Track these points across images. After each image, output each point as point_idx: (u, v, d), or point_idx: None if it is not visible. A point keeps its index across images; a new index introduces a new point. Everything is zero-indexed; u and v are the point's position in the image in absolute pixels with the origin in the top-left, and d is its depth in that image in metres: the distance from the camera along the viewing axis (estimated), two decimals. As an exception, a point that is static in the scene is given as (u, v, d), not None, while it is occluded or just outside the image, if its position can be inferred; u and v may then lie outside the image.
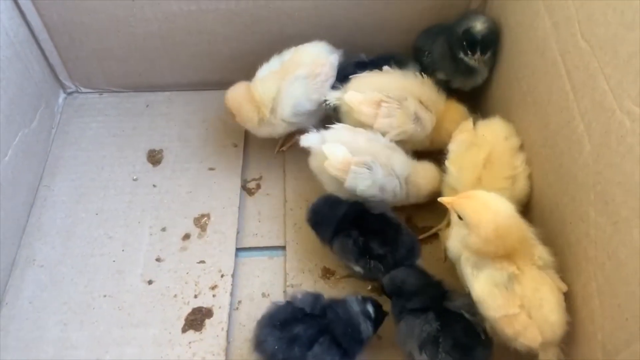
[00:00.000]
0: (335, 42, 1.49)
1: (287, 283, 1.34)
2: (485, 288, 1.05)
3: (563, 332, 1.03)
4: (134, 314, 1.30)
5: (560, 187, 1.09)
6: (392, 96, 1.34)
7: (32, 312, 1.31)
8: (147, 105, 1.68)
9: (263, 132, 1.46)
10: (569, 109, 1.04)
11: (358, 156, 1.27)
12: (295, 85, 1.39)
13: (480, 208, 1.05)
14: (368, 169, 1.26)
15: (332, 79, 1.42)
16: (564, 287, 1.05)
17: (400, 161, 1.31)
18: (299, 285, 1.33)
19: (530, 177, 1.23)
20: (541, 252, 1.07)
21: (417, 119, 1.35)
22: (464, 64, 1.40)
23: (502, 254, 1.04)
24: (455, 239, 1.12)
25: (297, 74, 1.39)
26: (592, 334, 0.97)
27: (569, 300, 1.05)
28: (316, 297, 1.17)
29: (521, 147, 1.26)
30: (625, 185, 0.88)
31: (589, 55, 0.97)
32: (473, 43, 1.36)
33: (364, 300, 1.15)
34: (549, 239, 1.14)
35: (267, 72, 1.43)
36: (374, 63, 1.46)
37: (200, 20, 1.52)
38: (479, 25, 1.35)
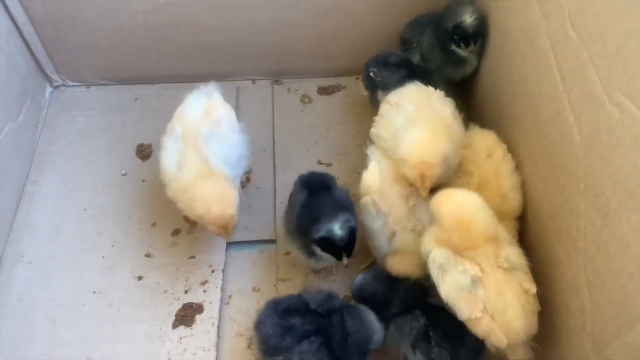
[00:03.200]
0: (324, 31, 1.47)
1: (278, 277, 1.33)
2: (450, 291, 1.05)
3: (529, 335, 1.04)
4: (124, 310, 1.29)
5: (551, 178, 1.08)
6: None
7: (21, 310, 1.30)
8: (136, 99, 1.66)
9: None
10: (559, 100, 1.03)
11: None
12: (212, 143, 1.24)
13: (445, 200, 1.08)
14: (377, 213, 1.21)
15: (231, 111, 1.33)
16: (533, 289, 1.05)
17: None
18: (289, 279, 1.32)
19: (520, 186, 1.22)
20: (508, 253, 1.07)
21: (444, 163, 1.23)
22: (454, 54, 1.39)
23: (465, 246, 1.06)
24: (428, 236, 1.11)
25: (203, 134, 1.24)
26: (582, 325, 0.97)
27: (559, 292, 1.05)
28: (328, 297, 1.14)
29: (505, 158, 1.24)
30: (615, 178, 0.87)
31: (579, 46, 0.96)
32: (466, 37, 1.36)
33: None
34: (539, 231, 1.14)
35: (174, 153, 1.25)
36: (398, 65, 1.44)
37: (188, 11, 1.50)
38: (468, 19, 1.34)
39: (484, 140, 1.27)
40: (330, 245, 1.12)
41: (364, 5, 1.52)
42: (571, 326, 1.02)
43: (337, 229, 1.11)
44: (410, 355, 1.09)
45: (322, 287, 1.18)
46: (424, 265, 1.10)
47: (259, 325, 1.12)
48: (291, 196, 1.25)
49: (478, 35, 1.36)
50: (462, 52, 1.39)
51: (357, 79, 1.67)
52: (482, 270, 1.04)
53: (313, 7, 1.52)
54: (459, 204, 1.07)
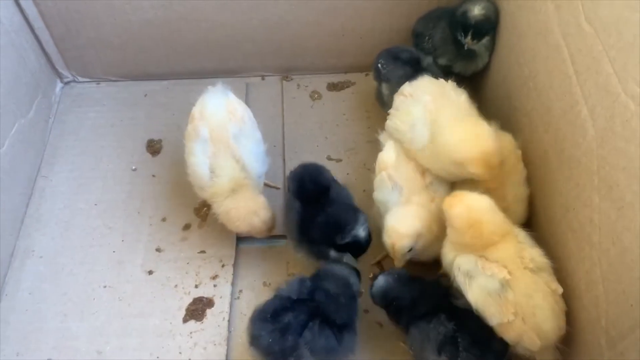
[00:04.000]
0: (334, 27, 1.47)
1: (288, 272, 1.33)
2: (479, 297, 1.05)
3: (558, 336, 1.04)
4: (135, 304, 1.30)
5: (563, 173, 1.08)
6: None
7: (32, 303, 1.30)
8: (145, 95, 1.66)
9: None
10: (572, 93, 1.02)
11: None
12: (243, 142, 1.27)
13: (455, 202, 1.09)
14: (393, 186, 1.22)
15: (248, 110, 1.34)
16: (560, 290, 1.05)
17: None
18: (299, 273, 1.32)
19: (526, 199, 1.23)
20: (533, 254, 1.06)
21: None
22: (465, 49, 1.39)
23: (480, 245, 1.06)
24: (446, 245, 1.13)
25: (234, 134, 1.26)
26: (596, 320, 0.97)
27: (572, 287, 1.05)
28: (300, 281, 1.15)
29: (515, 167, 1.23)
30: (630, 170, 0.86)
31: (593, 38, 0.96)
32: (466, 27, 1.36)
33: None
34: (551, 226, 1.13)
35: (205, 157, 1.26)
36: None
37: (197, 7, 1.50)
38: (476, 10, 1.35)
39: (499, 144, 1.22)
40: (356, 248, 1.19)
41: (373, 2, 1.52)
42: (585, 321, 1.01)
43: (361, 231, 1.18)
44: (434, 356, 1.08)
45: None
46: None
47: (255, 340, 1.10)
48: (289, 202, 1.26)
49: (481, 30, 1.36)
50: (469, 44, 1.38)
51: (366, 75, 1.67)
52: (509, 272, 1.03)
53: (322, 3, 1.52)
54: (468, 206, 1.08)
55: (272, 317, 1.09)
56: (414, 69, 1.41)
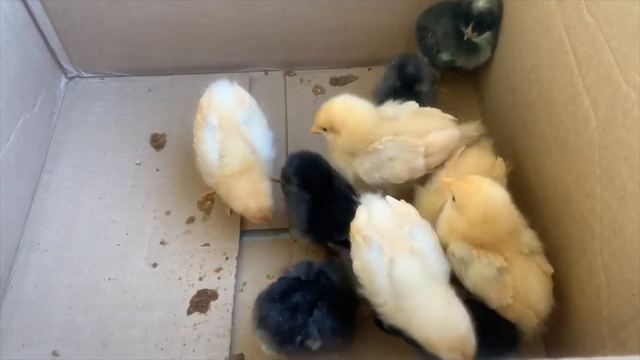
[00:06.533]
0: (336, 22, 1.48)
1: (292, 264, 1.33)
2: (477, 283, 1.06)
3: (548, 313, 1.07)
4: (139, 297, 1.30)
5: (565, 164, 1.08)
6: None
7: (37, 296, 1.31)
8: (149, 90, 1.67)
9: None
10: (574, 85, 1.03)
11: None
12: (253, 127, 1.30)
13: (473, 191, 1.04)
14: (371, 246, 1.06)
15: (253, 100, 1.37)
16: (550, 270, 1.07)
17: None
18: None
19: None
20: (527, 238, 1.07)
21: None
22: (468, 42, 1.39)
23: (487, 241, 1.04)
24: (444, 223, 1.10)
25: (243, 120, 1.29)
26: (598, 310, 0.97)
27: (574, 277, 1.05)
28: (308, 264, 1.17)
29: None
30: (632, 160, 0.87)
31: (595, 30, 0.96)
32: (468, 18, 1.37)
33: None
34: (553, 216, 1.14)
35: (215, 142, 1.27)
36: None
37: (201, 3, 1.51)
38: (480, 2, 1.36)
39: (477, 165, 1.20)
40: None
41: (376, -1, 1.53)
42: (587, 311, 1.02)
43: None
44: None
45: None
46: None
47: (264, 321, 1.11)
48: (289, 193, 1.26)
49: (482, 23, 1.37)
50: (469, 35, 1.39)
51: (369, 69, 1.68)
52: (506, 259, 1.04)
53: (325, -2, 1.52)
54: (489, 197, 1.03)
55: (281, 297, 1.11)
56: (400, 88, 1.41)
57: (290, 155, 1.31)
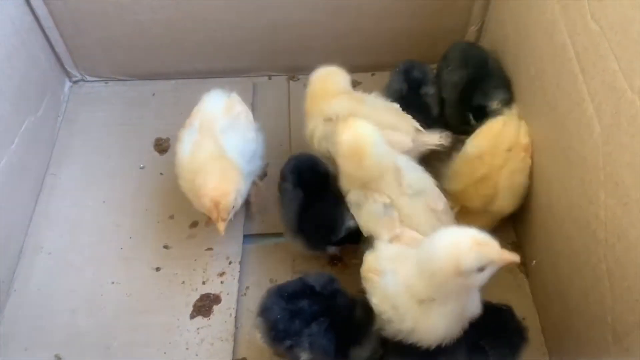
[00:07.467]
0: (340, 27, 1.48)
1: (294, 269, 1.34)
2: (368, 221, 1.15)
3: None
4: (142, 300, 1.31)
5: (569, 170, 1.08)
6: None
7: (41, 299, 1.31)
8: (154, 94, 1.67)
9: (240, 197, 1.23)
10: (578, 91, 1.03)
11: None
12: (230, 135, 1.27)
13: (344, 128, 1.13)
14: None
15: (249, 111, 1.36)
16: (440, 207, 1.17)
17: None
18: (305, 271, 1.32)
19: (520, 190, 1.27)
20: (410, 181, 1.15)
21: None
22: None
23: (361, 175, 1.14)
24: (341, 176, 1.19)
25: (220, 127, 1.27)
26: (602, 317, 0.97)
27: (578, 283, 1.05)
28: (330, 280, 1.14)
29: (517, 156, 1.26)
30: (635, 166, 0.87)
31: (599, 36, 0.96)
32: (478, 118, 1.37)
33: None
34: (557, 223, 1.14)
35: (190, 144, 1.27)
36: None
37: (205, 8, 1.52)
38: (494, 105, 1.35)
39: (512, 135, 1.27)
40: (352, 236, 1.22)
41: (379, 2, 1.53)
42: (590, 317, 1.02)
43: (352, 222, 1.20)
44: None
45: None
46: None
47: (265, 312, 1.11)
48: (284, 191, 1.27)
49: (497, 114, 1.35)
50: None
51: (372, 75, 1.68)
52: (389, 197, 1.13)
53: (329, 3, 1.53)
54: (356, 133, 1.12)
55: (289, 296, 1.11)
56: (404, 103, 1.39)
57: (290, 155, 1.32)
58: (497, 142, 1.26)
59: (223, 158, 1.23)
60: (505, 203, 1.28)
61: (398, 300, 1.02)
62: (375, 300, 1.06)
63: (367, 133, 1.12)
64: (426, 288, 0.98)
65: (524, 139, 1.26)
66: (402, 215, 1.13)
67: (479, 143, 1.29)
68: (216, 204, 1.16)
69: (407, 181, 1.14)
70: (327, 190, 1.24)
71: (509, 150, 1.25)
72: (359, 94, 1.35)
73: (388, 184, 1.14)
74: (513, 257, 0.94)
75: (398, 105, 1.33)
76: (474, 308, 1.02)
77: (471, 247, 0.92)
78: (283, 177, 1.27)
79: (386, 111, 1.31)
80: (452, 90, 1.43)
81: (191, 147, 1.26)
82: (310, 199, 1.24)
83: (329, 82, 1.33)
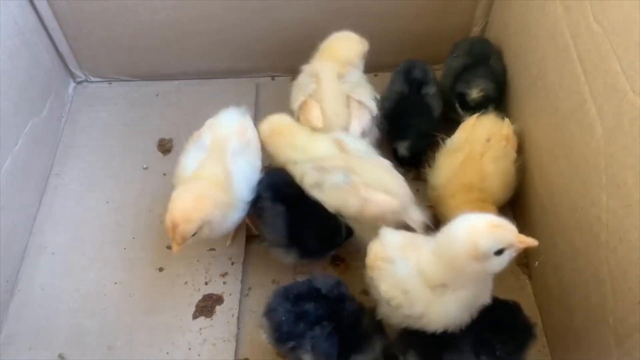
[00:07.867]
0: (343, 28, 1.48)
1: (296, 270, 1.34)
2: (334, 195, 1.17)
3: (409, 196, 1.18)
4: (145, 300, 1.31)
5: (571, 172, 1.08)
6: None
7: (44, 299, 1.32)
8: (157, 95, 1.68)
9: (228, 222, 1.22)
10: (580, 93, 1.03)
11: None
12: (240, 163, 1.23)
13: (264, 122, 1.29)
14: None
15: (258, 140, 1.30)
16: (386, 162, 1.22)
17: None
18: (307, 272, 1.33)
19: (508, 177, 1.29)
20: (354, 146, 1.22)
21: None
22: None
23: (282, 154, 1.25)
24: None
25: (232, 150, 1.23)
26: (604, 319, 0.97)
27: (580, 285, 1.05)
28: (337, 283, 1.14)
29: (499, 145, 1.29)
30: (637, 168, 0.87)
31: (602, 38, 0.96)
32: (467, 108, 1.39)
33: None
34: (559, 224, 1.14)
35: (196, 162, 1.22)
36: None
37: (208, 8, 1.52)
38: (474, 93, 1.37)
39: (490, 126, 1.31)
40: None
41: (382, 2, 1.53)
42: (592, 320, 1.02)
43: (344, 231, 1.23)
44: None
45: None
46: None
47: (270, 312, 1.11)
48: (263, 210, 1.24)
49: (481, 107, 1.37)
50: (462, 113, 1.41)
51: (375, 75, 1.68)
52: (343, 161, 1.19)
53: (332, 3, 1.53)
54: (270, 121, 1.29)
55: (295, 298, 1.10)
56: (400, 102, 1.44)
57: (260, 176, 1.28)
58: (475, 133, 1.30)
59: (214, 185, 1.17)
60: (496, 191, 1.27)
61: (409, 285, 1.02)
62: (385, 287, 1.05)
63: (280, 119, 1.29)
64: (443, 274, 0.99)
65: (505, 130, 1.29)
66: (363, 178, 1.15)
67: (457, 136, 1.33)
68: (174, 227, 1.10)
69: (351, 148, 1.20)
70: (306, 199, 1.20)
71: (488, 140, 1.28)
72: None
73: (334, 156, 1.19)
74: (530, 241, 0.94)
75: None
76: (485, 297, 1.02)
77: (487, 228, 0.93)
78: (258, 197, 1.24)
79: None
80: (449, 75, 1.45)
81: (196, 165, 1.21)
82: (293, 212, 1.21)
83: (342, 47, 1.40)
